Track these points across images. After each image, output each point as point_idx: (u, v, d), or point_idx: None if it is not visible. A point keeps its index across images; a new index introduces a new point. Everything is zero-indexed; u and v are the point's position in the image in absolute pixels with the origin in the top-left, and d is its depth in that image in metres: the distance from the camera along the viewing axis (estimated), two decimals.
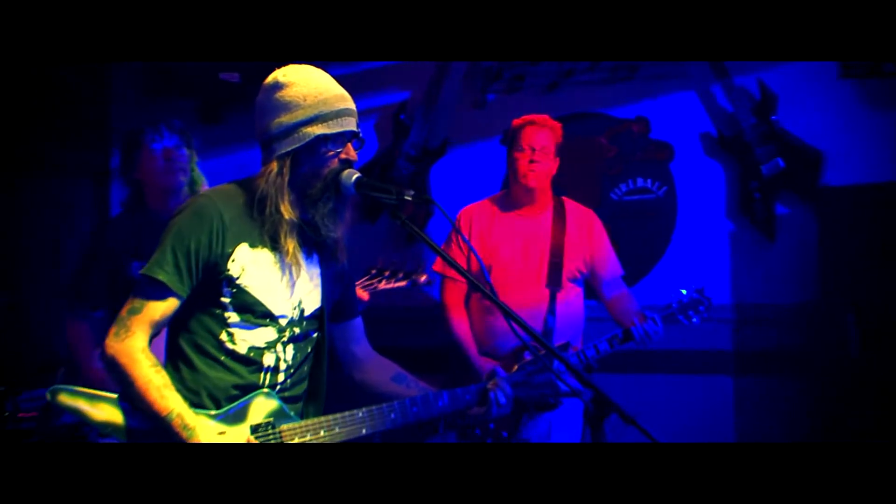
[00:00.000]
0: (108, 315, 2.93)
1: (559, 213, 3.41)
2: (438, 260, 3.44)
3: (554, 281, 3.32)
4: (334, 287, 2.19)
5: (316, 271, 2.13)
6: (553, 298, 3.30)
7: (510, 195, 3.46)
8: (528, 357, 3.19)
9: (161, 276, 1.94)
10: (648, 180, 4.26)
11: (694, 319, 3.28)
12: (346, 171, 2.01)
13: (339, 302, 2.24)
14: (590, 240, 3.42)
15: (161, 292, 1.96)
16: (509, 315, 1.92)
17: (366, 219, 4.46)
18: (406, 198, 1.95)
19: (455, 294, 3.41)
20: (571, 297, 3.37)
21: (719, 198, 4.18)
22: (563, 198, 3.50)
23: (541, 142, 3.34)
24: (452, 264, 2.06)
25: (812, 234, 3.76)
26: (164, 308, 1.97)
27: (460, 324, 3.38)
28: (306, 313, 2.11)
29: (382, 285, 3.23)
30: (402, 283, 3.25)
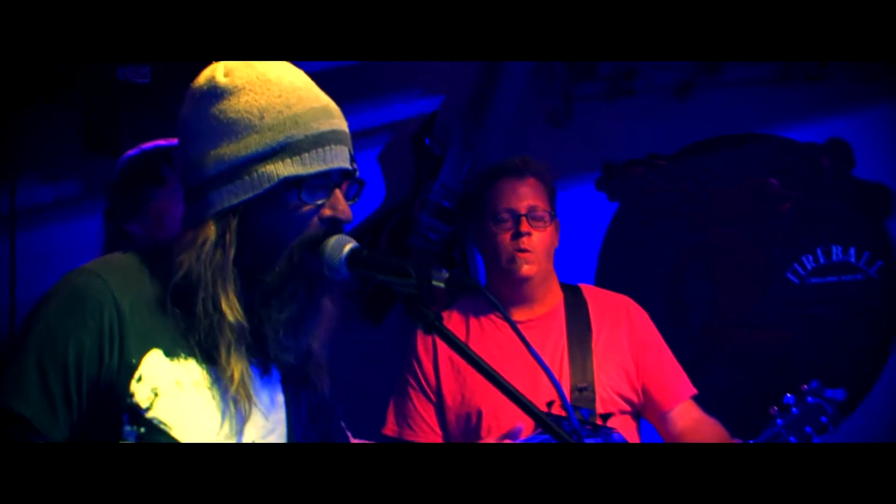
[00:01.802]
0: None
1: (577, 311, 3.49)
2: (390, 421, 3.49)
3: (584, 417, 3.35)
4: (309, 428, 2.23)
5: (279, 401, 2.15)
6: None
7: (492, 293, 3.48)
8: None
9: (22, 410, 1.91)
10: (851, 249, 4.32)
11: (815, 439, 3.20)
12: (334, 239, 2.01)
13: None
14: (631, 344, 3.48)
15: (21, 436, 1.92)
16: None
17: (367, 317, 4.31)
18: (436, 283, 1.95)
19: None
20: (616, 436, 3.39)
21: None
22: (581, 285, 3.57)
23: (526, 199, 3.42)
24: (545, 423, 2.03)
25: None
26: None
27: None
28: None
29: None
30: None
